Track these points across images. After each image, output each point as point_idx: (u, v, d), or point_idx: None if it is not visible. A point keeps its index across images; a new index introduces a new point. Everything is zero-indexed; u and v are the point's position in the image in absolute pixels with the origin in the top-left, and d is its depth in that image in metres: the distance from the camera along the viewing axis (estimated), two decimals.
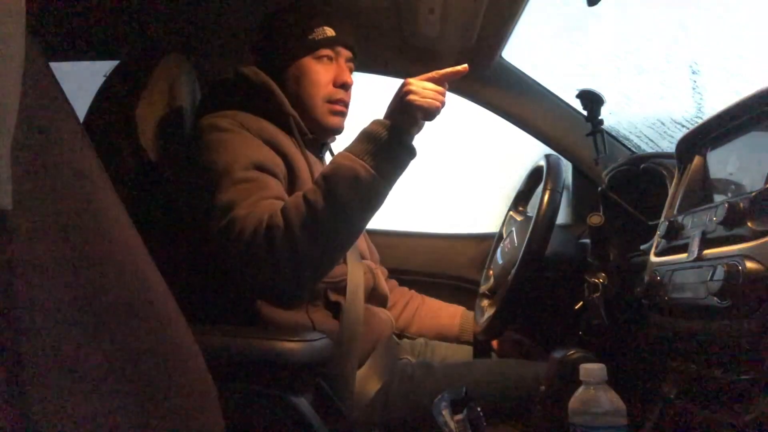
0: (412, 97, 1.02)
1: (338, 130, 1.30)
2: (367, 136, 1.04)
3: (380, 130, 1.04)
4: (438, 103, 1.03)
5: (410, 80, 1.04)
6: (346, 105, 1.28)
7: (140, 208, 1.20)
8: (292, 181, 1.15)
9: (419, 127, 1.07)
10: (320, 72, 1.25)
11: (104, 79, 1.30)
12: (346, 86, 1.27)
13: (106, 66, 1.36)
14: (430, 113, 1.04)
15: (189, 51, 1.51)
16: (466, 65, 1.05)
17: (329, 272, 1.07)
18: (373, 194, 1.02)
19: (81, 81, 1.43)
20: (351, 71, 1.30)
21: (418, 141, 1.09)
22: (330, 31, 1.26)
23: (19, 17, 0.35)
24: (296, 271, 0.99)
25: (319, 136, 1.30)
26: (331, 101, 1.25)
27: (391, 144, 1.03)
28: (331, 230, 1.00)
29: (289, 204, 1.01)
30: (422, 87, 1.03)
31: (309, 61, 1.25)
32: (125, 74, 1.29)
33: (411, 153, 1.06)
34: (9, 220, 0.34)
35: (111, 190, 0.47)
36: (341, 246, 1.05)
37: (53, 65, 0.45)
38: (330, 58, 1.26)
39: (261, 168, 1.08)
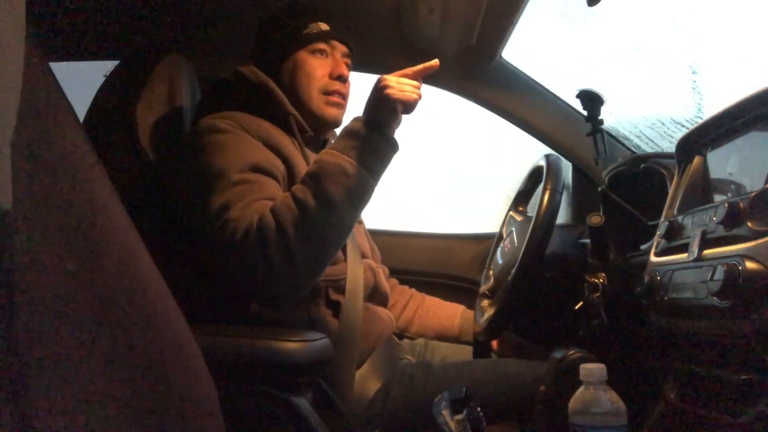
0: (390, 91, 1.05)
1: (336, 123, 1.30)
2: (350, 133, 1.07)
3: (361, 126, 1.06)
4: (416, 96, 1.07)
5: (386, 76, 1.07)
6: (343, 97, 1.29)
7: (140, 207, 1.20)
8: (291, 182, 1.15)
9: (399, 121, 1.09)
10: (315, 65, 1.26)
11: (104, 79, 1.30)
12: (342, 78, 1.28)
13: (106, 66, 1.36)
14: (409, 106, 1.07)
15: (189, 51, 1.51)
16: (437, 60, 1.08)
17: (323, 271, 1.07)
18: (360, 188, 1.04)
19: (81, 81, 1.43)
20: (348, 66, 1.31)
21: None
22: (324, 26, 1.28)
23: (19, 17, 0.35)
24: (290, 271, 0.99)
25: (318, 131, 1.30)
26: (327, 92, 1.26)
27: (374, 138, 1.05)
28: (323, 228, 1.01)
29: (279, 204, 1.01)
30: (398, 81, 1.06)
31: (304, 55, 1.26)
32: (125, 74, 1.29)
33: (394, 146, 1.08)
34: (9, 219, 0.34)
35: (111, 190, 0.47)
36: (333, 242, 1.05)
37: (53, 65, 0.45)
38: (325, 53, 1.27)
39: (258, 170, 1.08)
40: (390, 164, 1.09)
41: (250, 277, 1.00)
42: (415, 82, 1.07)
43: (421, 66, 1.08)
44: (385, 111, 1.06)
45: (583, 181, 1.77)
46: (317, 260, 1.03)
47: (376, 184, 1.07)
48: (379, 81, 1.07)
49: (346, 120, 1.13)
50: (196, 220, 1.07)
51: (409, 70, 1.08)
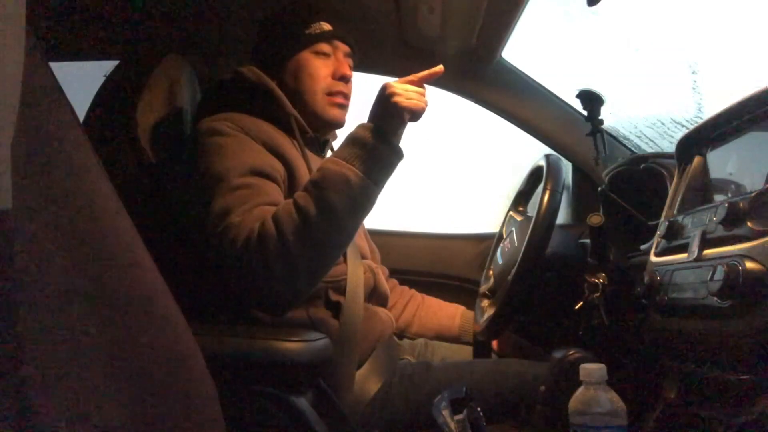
0: (397, 98, 1.03)
1: (339, 124, 1.30)
2: (354, 141, 1.05)
3: (367, 133, 1.04)
4: (423, 104, 1.05)
5: (391, 83, 1.05)
6: (346, 98, 1.28)
7: (140, 208, 1.20)
8: (292, 184, 1.15)
9: (404, 129, 1.07)
10: (319, 66, 1.26)
11: (104, 79, 1.30)
12: (345, 78, 1.27)
13: (106, 66, 1.36)
14: (416, 114, 1.05)
15: (189, 51, 1.51)
16: (441, 66, 1.07)
17: (324, 277, 1.07)
18: (363, 198, 1.02)
19: (81, 81, 1.43)
20: (350, 66, 1.31)
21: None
22: (326, 26, 1.27)
23: (19, 17, 0.35)
24: (290, 278, 0.99)
25: (320, 132, 1.30)
26: (331, 93, 1.26)
27: (379, 147, 1.03)
28: (323, 235, 1.00)
29: (281, 211, 1.01)
30: (404, 89, 1.04)
31: (307, 56, 1.26)
32: (125, 74, 1.29)
33: (399, 155, 1.06)
34: (9, 219, 0.34)
35: (111, 190, 0.47)
36: (334, 251, 1.05)
37: (53, 65, 0.45)
38: (328, 53, 1.27)
39: (259, 173, 1.08)
40: (394, 172, 1.07)
41: (249, 283, 1.00)
42: (421, 90, 1.06)
43: (426, 72, 1.06)
44: (391, 119, 1.04)
45: (583, 181, 1.77)
46: (318, 268, 1.03)
47: (379, 193, 1.05)
48: (384, 88, 1.05)
49: (350, 124, 1.12)
50: (196, 223, 1.07)
51: (414, 77, 1.06)
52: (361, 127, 1.07)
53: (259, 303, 1.04)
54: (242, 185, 1.04)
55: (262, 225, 0.99)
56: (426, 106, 1.06)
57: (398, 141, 1.07)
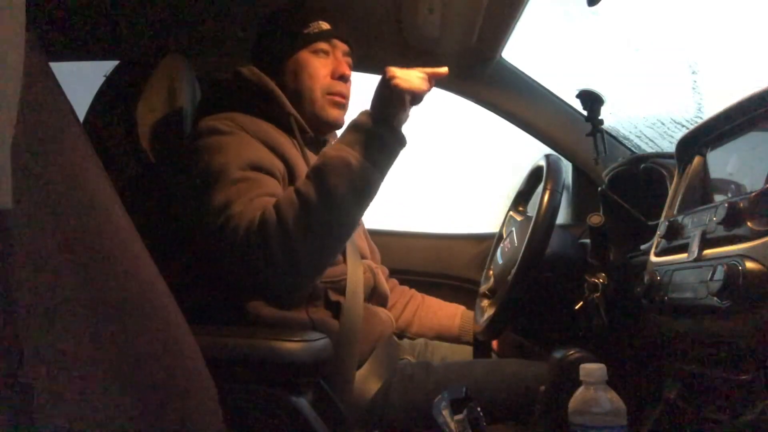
0: (398, 81, 1.03)
1: (338, 124, 1.30)
2: (356, 126, 1.05)
3: (368, 120, 1.04)
4: (424, 87, 1.04)
5: (393, 68, 1.05)
6: (345, 97, 1.29)
7: (140, 208, 1.20)
8: (292, 184, 1.15)
9: (407, 114, 1.07)
10: (318, 65, 1.25)
11: (104, 79, 1.30)
12: (344, 78, 1.27)
13: (106, 66, 1.36)
14: (418, 96, 1.05)
15: (189, 51, 1.51)
16: (446, 68, 1.07)
17: (326, 269, 1.07)
18: (365, 184, 1.02)
19: (81, 81, 1.43)
20: (349, 65, 1.31)
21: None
22: (325, 25, 1.27)
23: (19, 17, 0.35)
24: (292, 267, 0.99)
25: (319, 132, 1.30)
26: (330, 93, 1.26)
27: (381, 132, 1.03)
28: (325, 223, 0.99)
29: (282, 199, 1.01)
30: (405, 72, 1.04)
31: (306, 55, 1.26)
32: (125, 74, 1.30)
33: (401, 140, 1.06)
34: (8, 219, 0.34)
35: (111, 190, 0.47)
36: (336, 240, 1.05)
37: (53, 65, 0.45)
38: (326, 52, 1.27)
39: (258, 168, 1.08)
40: (397, 159, 1.06)
41: (251, 273, 1.00)
42: (422, 74, 1.05)
43: (430, 69, 1.06)
44: (392, 103, 1.04)
45: (583, 181, 1.77)
46: (319, 257, 1.03)
47: (382, 179, 1.05)
48: (385, 73, 1.05)
49: (353, 115, 1.12)
50: (197, 219, 1.07)
51: (417, 70, 1.06)
52: (362, 113, 1.07)
53: (261, 292, 1.04)
54: (242, 178, 1.05)
55: (262, 213, 0.99)
56: (427, 88, 1.05)
57: (400, 126, 1.06)
